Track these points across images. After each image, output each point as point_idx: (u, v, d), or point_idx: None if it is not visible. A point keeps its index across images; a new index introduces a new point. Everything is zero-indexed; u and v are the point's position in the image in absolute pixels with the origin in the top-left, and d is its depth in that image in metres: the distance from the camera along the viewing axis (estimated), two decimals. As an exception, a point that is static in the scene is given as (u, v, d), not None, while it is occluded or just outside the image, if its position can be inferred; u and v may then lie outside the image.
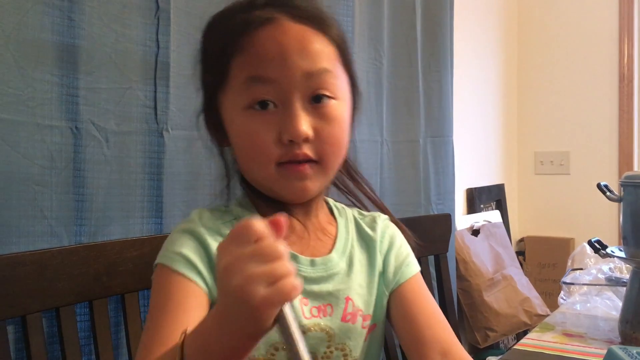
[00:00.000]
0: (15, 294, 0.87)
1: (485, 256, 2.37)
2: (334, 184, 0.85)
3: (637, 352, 0.68)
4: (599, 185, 1.26)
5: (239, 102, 0.71)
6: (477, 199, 2.63)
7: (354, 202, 0.87)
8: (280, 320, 0.48)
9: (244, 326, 0.49)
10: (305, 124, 0.69)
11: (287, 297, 0.48)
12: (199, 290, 0.69)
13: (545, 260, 2.91)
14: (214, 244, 0.71)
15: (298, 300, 0.72)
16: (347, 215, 0.85)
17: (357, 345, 0.77)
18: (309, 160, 0.71)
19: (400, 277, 0.82)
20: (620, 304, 1.31)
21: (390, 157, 1.84)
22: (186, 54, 1.18)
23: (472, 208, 2.60)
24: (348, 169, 0.85)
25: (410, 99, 1.91)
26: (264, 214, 0.75)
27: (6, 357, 0.86)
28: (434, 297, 1.48)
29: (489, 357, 2.21)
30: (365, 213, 0.88)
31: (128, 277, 1.01)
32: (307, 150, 0.70)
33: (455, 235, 2.21)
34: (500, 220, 2.65)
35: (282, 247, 0.49)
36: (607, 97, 2.88)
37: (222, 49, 0.72)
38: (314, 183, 0.73)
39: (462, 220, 2.43)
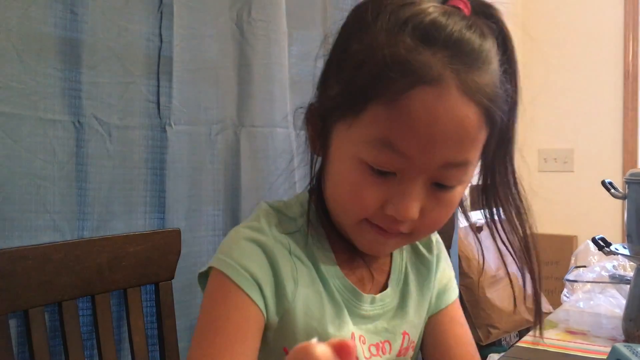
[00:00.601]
0: (17, 288, 0.87)
1: (488, 253, 2.36)
2: None
3: (642, 350, 0.68)
4: (603, 183, 1.25)
5: (359, 149, 0.60)
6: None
7: None
8: None
9: None
10: (416, 208, 0.60)
11: None
12: (259, 315, 0.64)
13: (548, 258, 2.90)
14: (284, 266, 0.65)
15: (358, 337, 0.68)
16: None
17: None
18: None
19: (442, 302, 0.79)
20: (623, 302, 1.31)
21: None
22: (189, 48, 1.18)
23: (475, 204, 2.59)
24: None
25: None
26: (330, 240, 0.70)
27: (8, 351, 0.86)
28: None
29: (491, 354, 2.21)
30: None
31: (130, 271, 1.01)
32: (404, 228, 0.63)
33: (458, 232, 2.21)
34: (504, 217, 2.64)
35: None
36: (612, 94, 2.87)
37: (366, 80, 0.58)
38: (394, 248, 0.71)
39: (465, 217, 2.42)
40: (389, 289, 0.73)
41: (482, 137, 0.60)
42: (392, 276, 0.74)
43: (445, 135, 0.57)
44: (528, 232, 0.71)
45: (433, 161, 0.58)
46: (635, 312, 1.20)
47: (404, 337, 0.73)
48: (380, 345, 0.70)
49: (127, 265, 1.01)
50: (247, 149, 1.28)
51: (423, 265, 0.78)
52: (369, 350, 0.69)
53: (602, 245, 1.25)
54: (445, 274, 0.81)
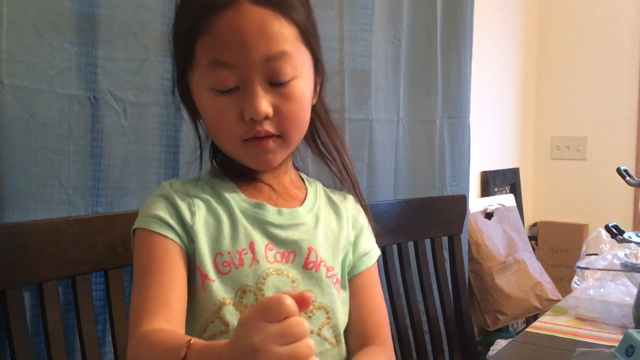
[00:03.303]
0: (32, 261, 0.87)
1: (497, 239, 2.36)
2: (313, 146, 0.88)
3: (656, 337, 0.67)
4: (618, 170, 1.24)
5: (204, 82, 0.75)
6: (492, 182, 2.61)
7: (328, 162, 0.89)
8: None
9: None
10: (264, 104, 0.73)
11: None
12: (176, 246, 0.76)
13: (558, 246, 2.90)
14: (181, 203, 0.77)
15: (264, 246, 0.78)
16: (317, 186, 0.89)
17: (332, 301, 0.81)
18: (271, 136, 0.76)
19: (361, 265, 0.88)
20: (634, 290, 1.30)
21: (406, 137, 1.83)
22: (205, 26, 1.17)
23: (486, 191, 2.58)
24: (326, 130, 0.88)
25: (428, 79, 1.89)
26: (235, 180, 0.82)
27: (23, 323, 0.87)
28: (447, 279, 1.48)
29: (498, 340, 2.21)
30: (335, 190, 0.91)
31: (143, 248, 1.01)
32: (268, 127, 0.75)
33: (468, 218, 2.20)
34: (514, 204, 2.64)
35: (307, 325, 0.52)
36: (628, 81, 2.84)
37: (188, 30, 0.75)
38: (277, 155, 0.79)
39: (476, 203, 2.42)
40: (300, 208, 0.83)
41: (288, 31, 0.74)
42: (305, 203, 0.84)
43: (251, 35, 0.71)
44: (344, 152, 0.88)
45: (255, 59, 0.72)
46: (647, 301, 1.20)
47: (309, 252, 0.80)
48: (286, 254, 0.79)
49: (140, 242, 1.01)
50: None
51: (335, 210, 0.87)
52: (275, 257, 0.78)
53: (615, 232, 1.25)
54: (369, 239, 0.91)
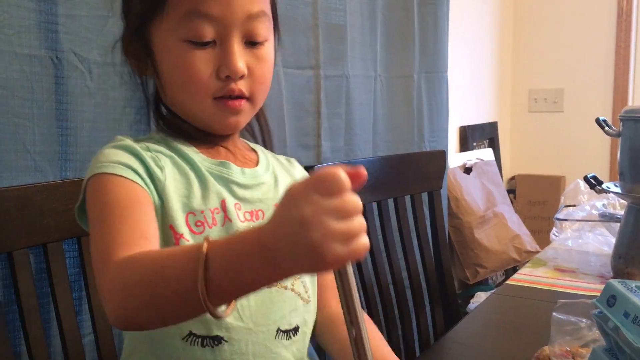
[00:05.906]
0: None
1: (476, 194, 2.37)
2: None
3: (637, 286, 0.67)
4: (597, 120, 1.23)
5: (177, 33, 0.71)
6: (470, 136, 2.61)
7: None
8: (341, 274, 0.49)
9: (300, 269, 0.50)
10: (242, 62, 0.72)
11: (359, 256, 0.48)
12: (145, 192, 0.69)
13: (536, 198, 2.92)
14: (146, 156, 0.71)
15: (232, 205, 0.75)
16: (263, 149, 0.88)
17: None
18: (242, 97, 0.75)
19: None
20: (612, 240, 1.32)
21: (384, 93, 1.80)
22: (171, -20, 1.12)
23: (464, 146, 2.58)
24: None
25: (405, 33, 1.86)
26: (192, 141, 0.78)
27: (-6, 292, 0.84)
28: (427, 234, 1.48)
29: (478, 293, 2.24)
30: (278, 155, 0.90)
31: (117, 213, 0.99)
32: (242, 87, 0.74)
33: (447, 173, 2.20)
34: (493, 158, 2.64)
35: (360, 202, 0.48)
36: (605, 32, 2.82)
37: None
38: (244, 118, 0.78)
39: (455, 158, 2.41)
40: (258, 167, 0.81)
41: None
42: (260, 164, 0.83)
43: None
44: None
45: (237, 14, 0.71)
46: (625, 249, 1.21)
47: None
48: (254, 212, 0.77)
49: (113, 207, 0.98)
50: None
51: (286, 171, 0.86)
52: (244, 215, 0.76)
53: (594, 183, 1.25)
54: None
